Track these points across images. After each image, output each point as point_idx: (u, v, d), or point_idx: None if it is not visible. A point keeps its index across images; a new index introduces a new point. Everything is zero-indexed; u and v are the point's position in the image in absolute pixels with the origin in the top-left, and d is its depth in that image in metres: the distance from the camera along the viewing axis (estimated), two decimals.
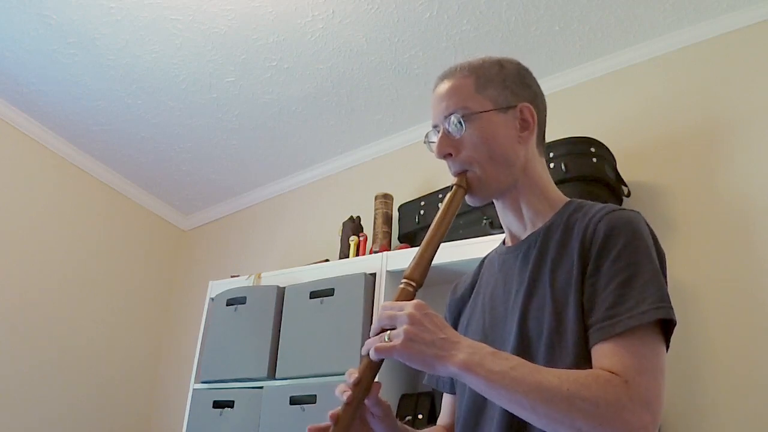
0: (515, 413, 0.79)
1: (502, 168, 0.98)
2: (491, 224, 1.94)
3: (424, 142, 1.06)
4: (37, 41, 2.30)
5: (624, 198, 1.98)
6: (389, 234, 2.35)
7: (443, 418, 1.11)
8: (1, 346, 2.54)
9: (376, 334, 0.84)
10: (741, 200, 1.85)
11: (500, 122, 0.98)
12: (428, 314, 0.83)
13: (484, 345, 0.82)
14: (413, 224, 2.28)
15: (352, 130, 2.73)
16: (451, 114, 0.98)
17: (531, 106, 1.01)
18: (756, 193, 1.83)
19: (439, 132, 1.01)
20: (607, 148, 1.95)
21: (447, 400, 1.12)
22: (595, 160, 1.88)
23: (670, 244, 1.90)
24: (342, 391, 0.84)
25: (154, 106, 2.62)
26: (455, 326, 1.10)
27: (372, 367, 0.85)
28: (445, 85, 1.02)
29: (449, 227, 0.98)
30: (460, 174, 0.99)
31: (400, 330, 0.80)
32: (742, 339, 1.72)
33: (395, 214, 2.42)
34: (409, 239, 2.30)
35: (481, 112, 0.98)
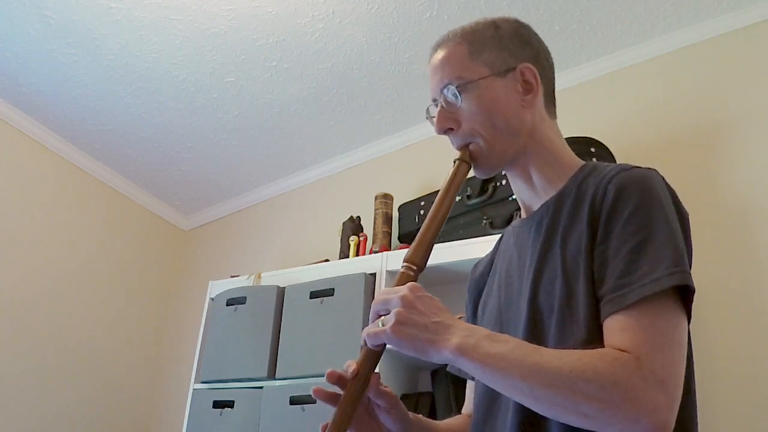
0: (516, 400, 0.73)
1: (507, 136, 0.91)
2: (491, 224, 1.94)
3: (426, 118, 1.00)
4: (37, 41, 2.30)
5: None
6: (389, 234, 2.35)
7: (467, 406, 1.06)
8: (1, 345, 2.54)
9: (373, 321, 0.80)
10: (741, 200, 1.85)
11: (500, 87, 0.92)
12: (422, 297, 0.77)
13: (481, 328, 0.77)
14: (413, 224, 2.28)
15: (352, 130, 2.73)
16: (447, 85, 0.92)
17: (533, 66, 0.95)
18: (756, 193, 1.83)
19: (438, 106, 0.95)
20: (607, 148, 1.95)
21: (470, 387, 1.06)
22: (595, 160, 1.88)
23: None
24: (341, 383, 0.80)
25: (154, 106, 2.62)
26: (475, 307, 1.05)
27: (370, 358, 0.80)
28: (438, 55, 0.95)
29: (452, 205, 0.91)
30: (463, 148, 0.93)
31: (392, 313, 0.76)
32: (742, 339, 1.72)
33: (395, 214, 2.42)
34: (409, 239, 2.29)
35: (477, 79, 0.91)
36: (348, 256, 2.35)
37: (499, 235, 1.09)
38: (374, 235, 2.35)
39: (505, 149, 0.92)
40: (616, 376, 0.67)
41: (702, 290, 1.79)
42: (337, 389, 0.82)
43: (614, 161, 1.97)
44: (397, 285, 0.82)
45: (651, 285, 0.71)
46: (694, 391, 0.80)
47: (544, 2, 2.03)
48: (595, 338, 0.75)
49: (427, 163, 2.55)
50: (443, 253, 1.89)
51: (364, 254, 2.33)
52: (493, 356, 0.71)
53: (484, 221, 1.98)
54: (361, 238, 2.39)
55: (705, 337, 1.75)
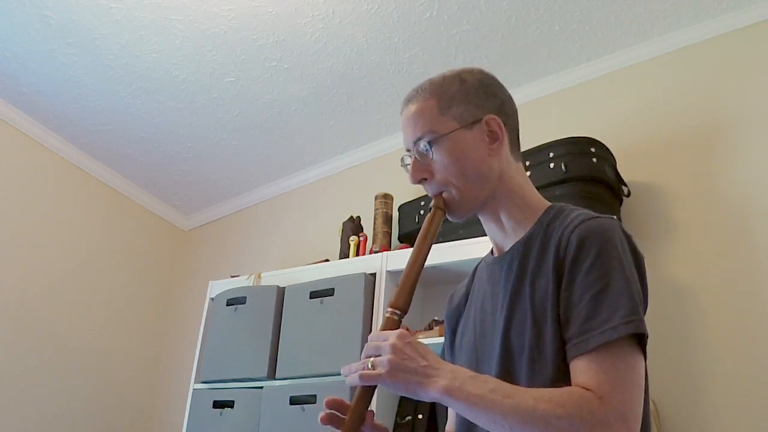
0: None
1: (477, 184, 0.98)
2: None
3: (401, 166, 1.07)
4: (37, 41, 2.30)
5: (624, 198, 1.98)
6: (389, 234, 2.35)
7: (450, 424, 1.11)
8: (1, 345, 2.54)
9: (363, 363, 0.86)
10: (741, 200, 1.85)
11: (468, 139, 0.98)
12: (410, 343, 0.85)
13: (465, 369, 0.85)
14: (413, 224, 2.28)
15: (352, 130, 2.73)
16: (419, 140, 0.99)
17: (497, 117, 1.00)
18: (756, 193, 1.83)
19: (411, 157, 1.02)
20: (607, 148, 1.95)
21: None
22: (595, 160, 1.88)
23: (669, 244, 1.90)
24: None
25: (154, 106, 2.62)
26: (453, 334, 1.11)
27: (364, 397, 0.88)
28: (410, 110, 1.02)
29: (430, 248, 0.98)
30: (437, 196, 1.00)
31: (385, 359, 0.83)
32: (742, 339, 1.72)
33: (395, 214, 2.42)
34: (409, 239, 2.29)
35: (447, 133, 0.98)
36: (348, 256, 2.35)
37: (473, 267, 1.15)
38: (374, 235, 2.35)
39: (476, 195, 0.99)
40: (583, 412, 0.76)
41: (702, 290, 1.80)
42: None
43: (614, 161, 1.97)
44: (383, 329, 0.90)
45: (609, 332, 0.80)
46: (649, 425, 0.89)
47: (544, 2, 2.03)
48: (561, 377, 0.83)
49: None
50: (443, 253, 1.89)
51: (364, 254, 2.33)
52: (475, 396, 0.80)
53: None
54: (361, 238, 2.39)
55: (705, 337, 1.75)
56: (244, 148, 2.87)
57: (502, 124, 1.01)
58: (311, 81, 2.45)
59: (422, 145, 0.99)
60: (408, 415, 1.92)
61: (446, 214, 1.01)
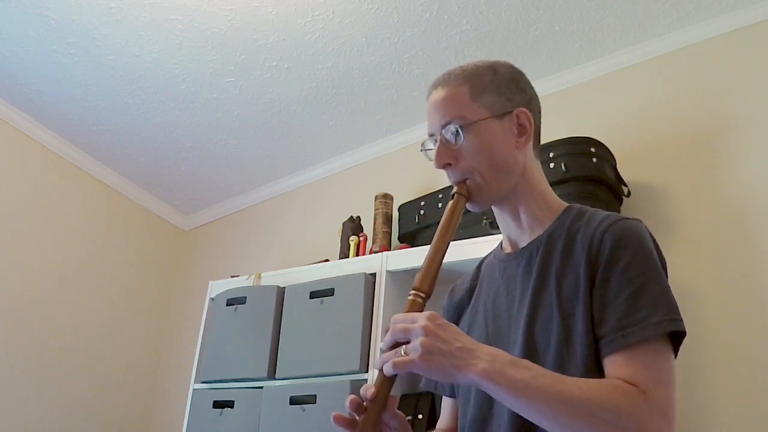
0: (535, 422, 0.79)
1: (501, 175, 0.97)
2: (491, 224, 1.94)
3: (421, 150, 1.05)
4: (37, 41, 2.30)
5: (624, 198, 1.98)
6: (389, 234, 2.35)
7: (444, 421, 1.11)
8: (1, 345, 2.54)
9: (390, 348, 0.83)
10: (741, 200, 1.85)
11: (498, 129, 0.97)
12: (442, 324, 0.81)
13: (503, 352, 0.81)
14: (413, 224, 2.28)
15: (352, 130, 2.73)
16: (448, 124, 0.97)
17: (527, 111, 1.00)
18: (756, 193, 1.83)
19: (435, 141, 1.00)
20: (607, 148, 1.95)
21: (447, 403, 1.11)
22: (595, 160, 1.88)
23: (670, 244, 1.90)
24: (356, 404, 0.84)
25: (154, 106, 2.62)
26: None
27: (388, 382, 0.84)
28: (439, 94, 1.00)
29: (454, 235, 0.96)
30: (460, 183, 0.99)
31: (417, 343, 0.79)
32: (742, 339, 1.72)
33: (395, 214, 2.42)
34: (409, 239, 2.30)
35: (478, 120, 0.97)
36: (348, 256, 2.35)
37: (477, 264, 1.13)
38: (374, 235, 2.35)
39: (500, 187, 0.98)
40: (629, 406, 0.76)
41: (702, 290, 1.80)
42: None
43: (614, 161, 1.97)
44: (408, 312, 0.86)
45: (652, 328, 0.81)
46: None
47: (544, 2, 2.03)
48: (590, 375, 0.83)
49: (427, 163, 2.53)
50: None
51: (364, 254, 2.33)
52: (518, 382, 0.77)
53: (484, 221, 1.98)
54: (361, 238, 2.39)
55: (704, 337, 1.75)
56: (244, 148, 2.87)
57: (532, 119, 1.01)
58: (311, 81, 2.45)
59: (451, 129, 0.97)
60: (408, 415, 1.91)
61: (467, 203, 0.99)
